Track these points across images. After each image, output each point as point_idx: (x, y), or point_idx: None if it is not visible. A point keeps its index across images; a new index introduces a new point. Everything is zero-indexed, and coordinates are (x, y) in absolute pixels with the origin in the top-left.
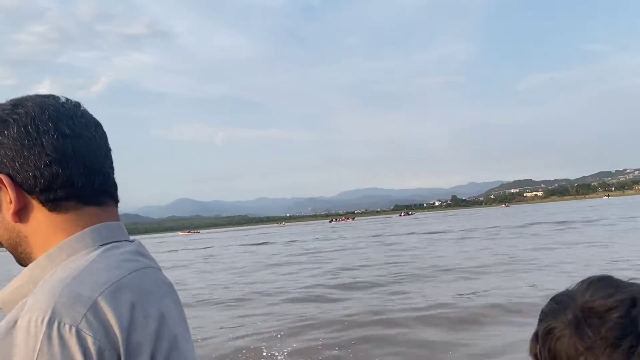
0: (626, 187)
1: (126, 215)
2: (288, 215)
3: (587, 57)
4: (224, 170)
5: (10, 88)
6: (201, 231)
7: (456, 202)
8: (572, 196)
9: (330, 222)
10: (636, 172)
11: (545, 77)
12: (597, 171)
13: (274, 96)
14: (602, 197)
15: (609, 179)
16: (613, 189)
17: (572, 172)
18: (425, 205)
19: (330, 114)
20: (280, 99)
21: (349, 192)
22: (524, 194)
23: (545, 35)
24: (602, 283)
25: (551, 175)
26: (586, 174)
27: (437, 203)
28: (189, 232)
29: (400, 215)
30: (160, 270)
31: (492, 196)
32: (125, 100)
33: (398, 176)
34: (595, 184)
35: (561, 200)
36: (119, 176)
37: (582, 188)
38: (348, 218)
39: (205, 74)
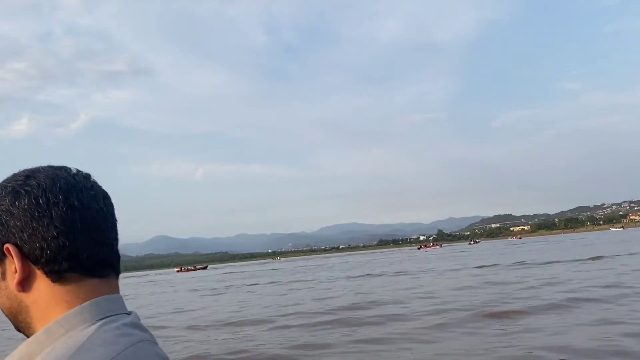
0: (615, 220)
1: None
2: (270, 251)
3: (561, 96)
4: (203, 206)
5: None
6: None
7: (442, 237)
8: (561, 230)
9: (419, 248)
10: (614, 207)
11: (520, 115)
12: (576, 206)
13: (255, 132)
14: (591, 230)
15: (588, 213)
16: (602, 222)
17: (551, 208)
18: (410, 240)
19: (310, 150)
20: (261, 135)
21: (330, 227)
22: (511, 228)
23: (520, 74)
24: None
25: (530, 211)
26: (565, 209)
27: (421, 237)
28: (185, 269)
29: (470, 244)
30: (156, 343)
31: (477, 230)
32: (105, 137)
33: (378, 212)
34: (583, 217)
35: (550, 234)
36: None
37: (570, 222)
38: (436, 245)
39: (186, 110)
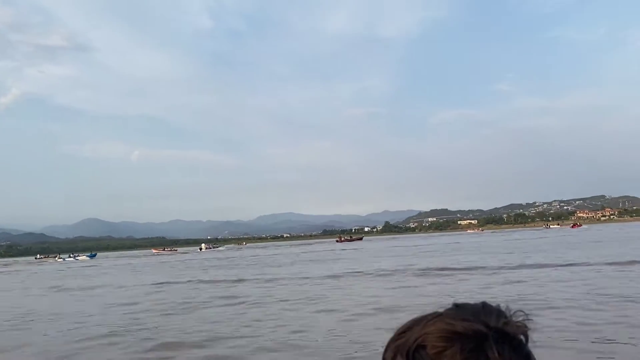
0: (563, 218)
1: (31, 234)
2: (209, 237)
3: (495, 97)
4: (136, 190)
5: None
6: (178, 249)
7: (389, 228)
8: (510, 225)
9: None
10: (545, 205)
11: (455, 113)
12: (508, 203)
13: (196, 118)
14: (541, 226)
15: (520, 210)
16: (550, 218)
17: (484, 204)
18: (355, 230)
19: (251, 139)
20: (202, 122)
21: (267, 216)
22: (459, 222)
23: (459, 74)
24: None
25: (464, 206)
26: (498, 206)
27: (366, 229)
28: (164, 249)
29: (572, 227)
30: None
31: (424, 224)
32: (36, 114)
33: (314, 203)
34: (533, 213)
35: (499, 228)
36: (23, 192)
37: (520, 217)
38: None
39: (125, 91)
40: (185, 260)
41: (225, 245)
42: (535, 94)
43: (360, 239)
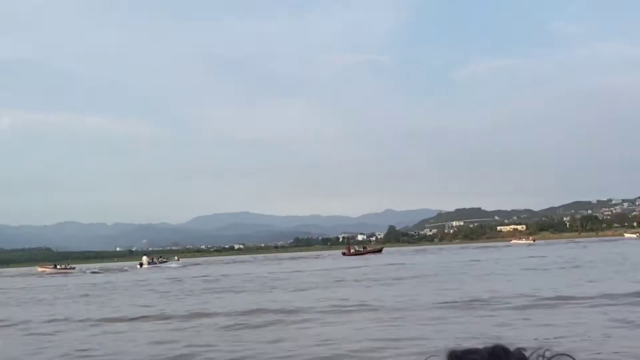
0: None
1: None
2: (118, 249)
3: (552, 40)
4: (7, 176)
5: None
6: (76, 267)
7: (395, 236)
8: (576, 233)
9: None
10: (625, 204)
11: (493, 65)
12: (571, 201)
13: (98, 66)
14: (619, 236)
15: (590, 211)
16: (635, 224)
17: (536, 201)
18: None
19: (179, 98)
20: (107, 72)
21: (209, 217)
22: (498, 228)
23: (497, 6)
24: None
25: (508, 205)
26: (555, 204)
27: (359, 237)
28: (56, 266)
29: None
30: None
31: (446, 230)
32: None
33: (282, 198)
34: (607, 216)
35: (561, 237)
36: None
37: (589, 221)
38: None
39: None
40: (137, 280)
41: (181, 260)
42: (614, 38)
43: (380, 250)
